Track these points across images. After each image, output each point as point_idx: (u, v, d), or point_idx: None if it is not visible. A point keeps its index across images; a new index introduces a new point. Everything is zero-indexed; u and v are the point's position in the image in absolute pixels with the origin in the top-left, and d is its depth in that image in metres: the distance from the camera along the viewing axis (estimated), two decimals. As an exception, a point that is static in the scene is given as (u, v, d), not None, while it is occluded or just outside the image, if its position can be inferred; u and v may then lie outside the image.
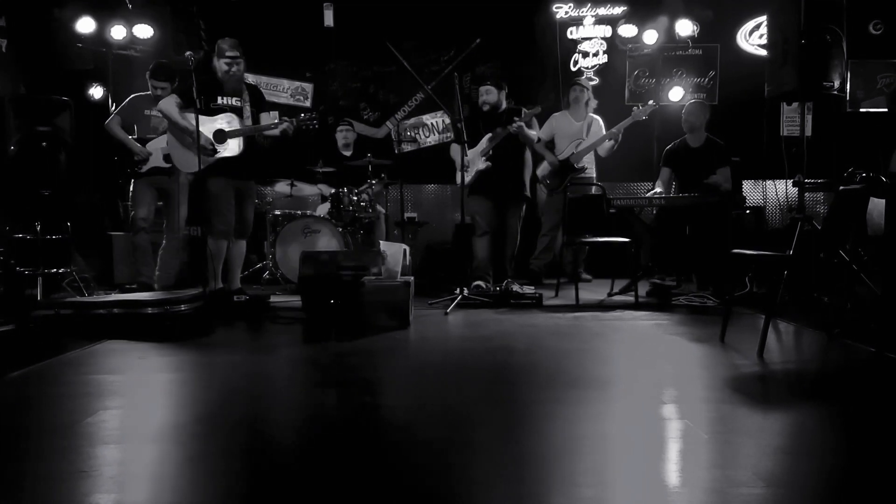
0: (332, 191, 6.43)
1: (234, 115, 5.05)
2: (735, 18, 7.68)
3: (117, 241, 6.33)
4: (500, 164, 5.84)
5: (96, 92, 7.22)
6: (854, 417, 2.65)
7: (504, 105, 6.05)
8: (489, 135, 5.87)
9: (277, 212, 6.51)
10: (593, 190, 6.41)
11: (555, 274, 6.40)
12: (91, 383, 3.15)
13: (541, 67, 7.72)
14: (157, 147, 5.53)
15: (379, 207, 6.80)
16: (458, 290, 5.28)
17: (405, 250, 4.99)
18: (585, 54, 7.81)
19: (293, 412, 2.82)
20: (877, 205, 4.41)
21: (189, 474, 2.09)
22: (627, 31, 7.55)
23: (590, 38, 7.80)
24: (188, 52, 4.99)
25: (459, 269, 5.91)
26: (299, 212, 6.50)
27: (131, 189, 5.67)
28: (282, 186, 6.72)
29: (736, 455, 2.21)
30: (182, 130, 5.00)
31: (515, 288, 5.52)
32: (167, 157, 5.36)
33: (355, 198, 6.40)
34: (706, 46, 7.66)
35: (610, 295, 5.82)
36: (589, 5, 7.76)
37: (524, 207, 6.08)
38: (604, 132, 6.61)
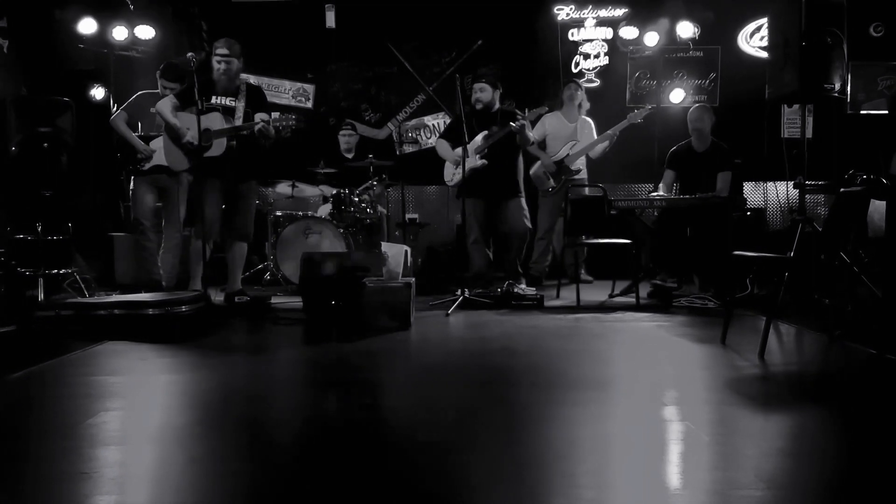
0: (334, 192, 6.43)
1: (219, 115, 4.98)
2: (736, 20, 7.67)
3: (118, 242, 6.32)
4: (495, 163, 5.75)
5: (98, 93, 7.21)
6: (855, 419, 2.65)
7: (498, 105, 5.99)
8: (485, 132, 5.79)
9: (279, 213, 6.51)
10: (587, 191, 6.37)
11: (556, 275, 6.41)
12: (92, 384, 3.15)
13: (542, 69, 7.72)
14: (160, 146, 5.53)
15: (380, 208, 6.80)
16: (459, 292, 5.28)
17: (406, 251, 4.99)
18: (586, 56, 7.81)
19: (294, 413, 2.82)
20: (877, 207, 4.41)
21: (190, 476, 2.09)
22: (628, 32, 7.54)
23: (591, 40, 7.79)
24: (190, 54, 5.00)
25: (460, 270, 5.91)
26: (300, 213, 6.49)
27: (131, 187, 5.66)
28: (283, 187, 6.71)
29: (737, 457, 2.20)
30: (172, 129, 5.00)
31: (517, 289, 5.51)
32: None
33: (356, 199, 6.41)
34: (707, 48, 7.67)
35: (611, 296, 5.82)
36: (590, 7, 7.76)
37: (524, 200, 5.94)
38: (594, 134, 6.62)
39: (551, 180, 6.56)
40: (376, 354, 3.82)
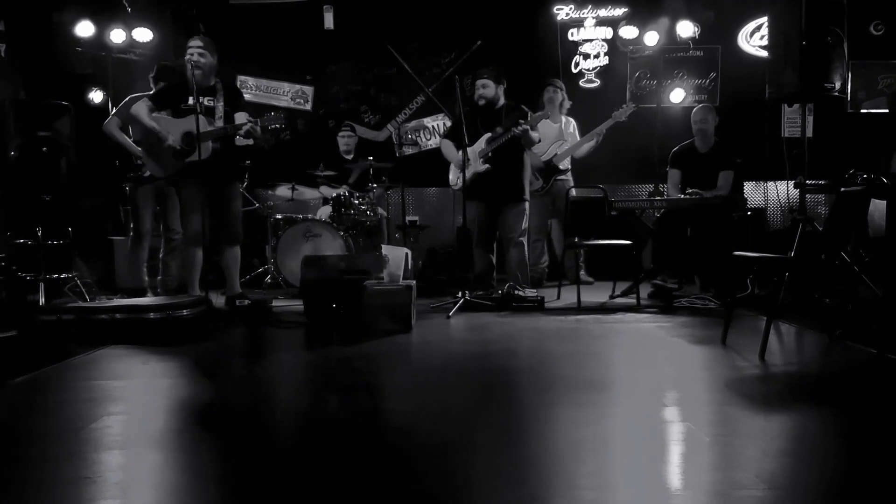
0: (334, 194, 6.43)
1: (202, 117, 4.78)
2: (736, 20, 7.68)
3: (119, 246, 6.33)
4: (499, 167, 5.55)
5: (96, 96, 7.22)
6: (856, 419, 2.65)
7: (502, 100, 5.72)
8: (487, 135, 5.61)
9: (279, 216, 6.52)
10: (573, 192, 6.25)
11: (556, 277, 6.41)
12: (94, 389, 3.16)
13: (542, 69, 7.72)
14: None
15: (380, 211, 6.80)
16: (460, 294, 5.27)
17: (407, 254, 4.99)
18: (586, 56, 7.81)
19: (295, 416, 2.83)
20: (878, 206, 4.40)
21: (192, 479, 2.09)
22: (628, 32, 7.55)
23: (591, 40, 7.80)
24: (187, 56, 4.97)
25: (461, 273, 5.90)
26: (301, 216, 6.50)
27: (136, 196, 5.66)
28: (283, 190, 6.72)
29: (738, 457, 2.21)
30: (150, 132, 4.91)
31: (518, 291, 5.51)
32: None
33: (357, 201, 6.41)
34: (707, 48, 7.67)
35: (612, 297, 5.83)
36: (590, 7, 7.76)
37: (526, 207, 5.71)
38: (577, 133, 6.61)
39: (540, 180, 6.58)
40: (377, 357, 3.82)
